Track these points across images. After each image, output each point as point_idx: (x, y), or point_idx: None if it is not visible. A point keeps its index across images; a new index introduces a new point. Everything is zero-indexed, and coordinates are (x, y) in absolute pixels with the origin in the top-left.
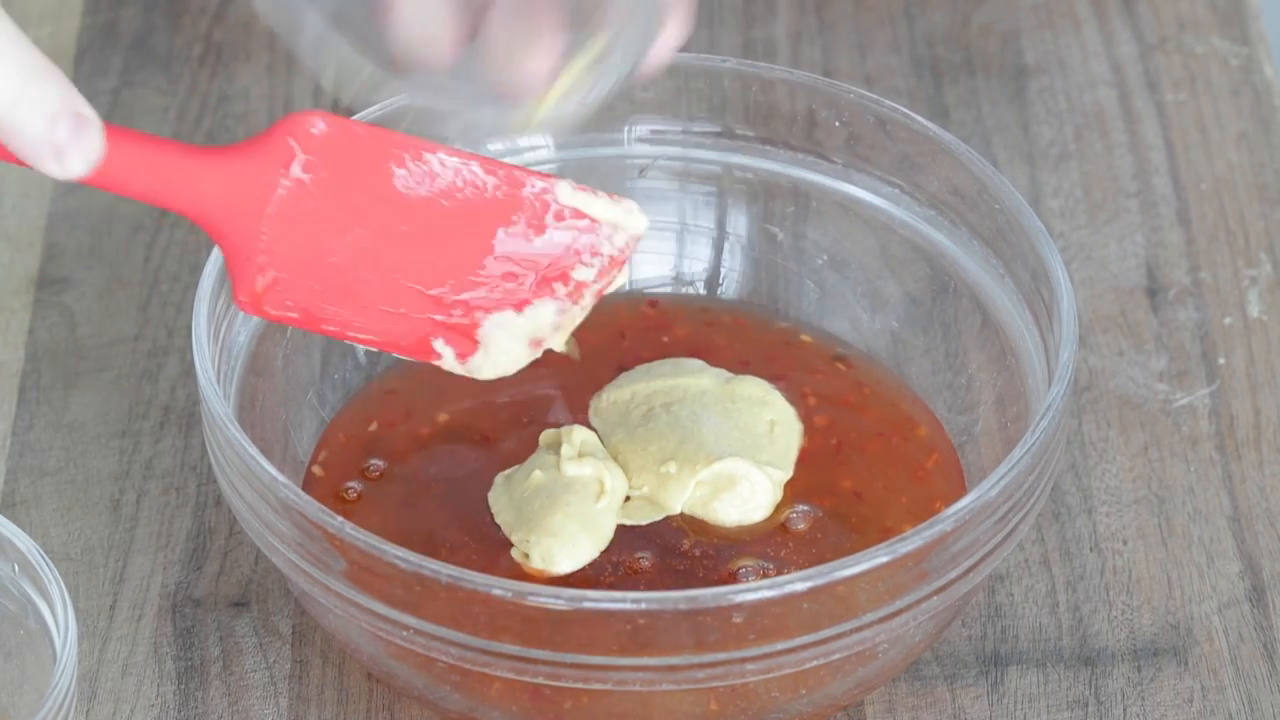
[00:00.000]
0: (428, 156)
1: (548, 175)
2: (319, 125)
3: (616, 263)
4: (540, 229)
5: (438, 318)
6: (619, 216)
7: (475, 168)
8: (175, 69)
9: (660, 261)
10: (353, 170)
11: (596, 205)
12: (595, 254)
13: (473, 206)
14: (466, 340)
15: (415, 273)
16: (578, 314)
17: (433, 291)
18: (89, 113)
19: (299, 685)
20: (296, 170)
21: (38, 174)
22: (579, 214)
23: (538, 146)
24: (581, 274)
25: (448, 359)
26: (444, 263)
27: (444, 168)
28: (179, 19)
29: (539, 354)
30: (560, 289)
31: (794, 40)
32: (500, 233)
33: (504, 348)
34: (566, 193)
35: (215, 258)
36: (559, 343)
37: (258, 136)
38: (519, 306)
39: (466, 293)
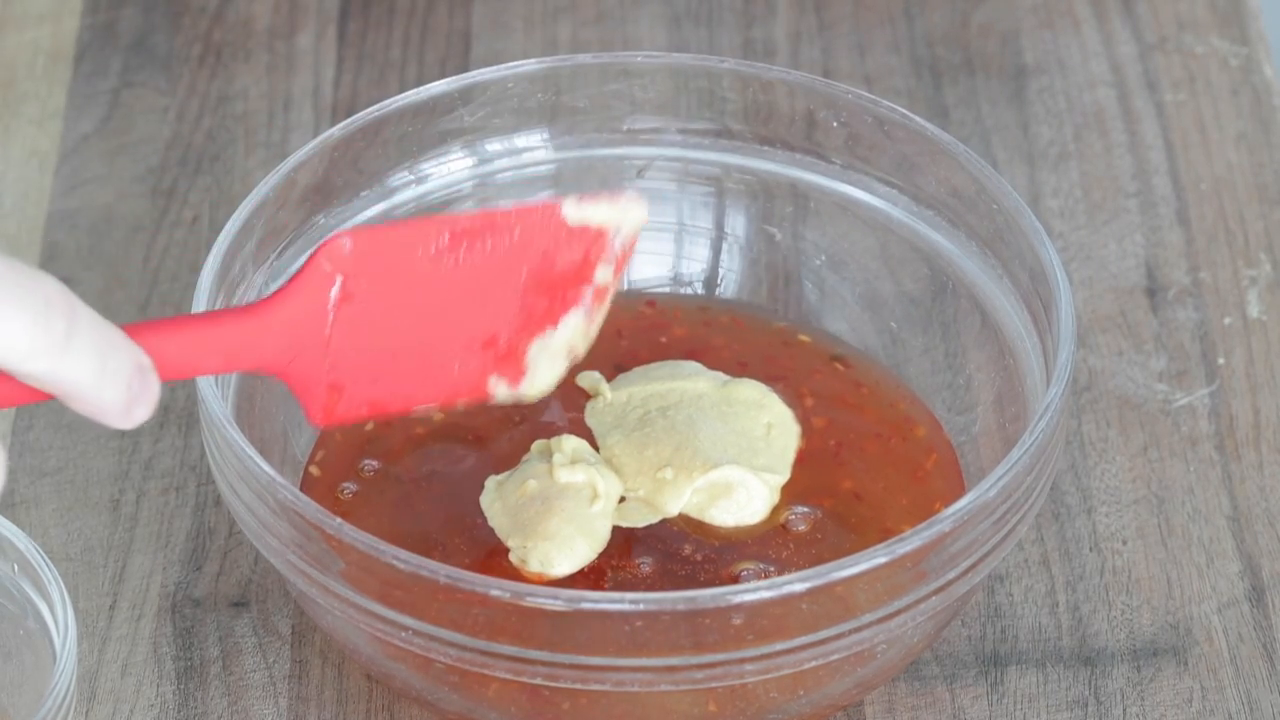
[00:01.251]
0: (451, 232)
1: (551, 202)
2: (347, 244)
3: (625, 256)
4: (558, 251)
5: (489, 360)
6: (620, 215)
7: (494, 223)
8: (175, 69)
9: (658, 262)
10: (388, 271)
11: (600, 212)
12: (609, 254)
13: (500, 257)
14: (515, 369)
15: (464, 331)
16: (602, 313)
17: (481, 340)
18: (146, 360)
19: (299, 685)
20: (338, 293)
21: (38, 174)
22: (587, 226)
23: (535, 147)
24: (601, 276)
25: (501, 392)
26: (487, 313)
27: (467, 235)
28: (179, 19)
29: (573, 363)
30: (586, 294)
31: (793, 40)
32: (526, 266)
33: (546, 366)
34: (573, 211)
35: (215, 258)
36: (584, 347)
37: (295, 275)
38: (554, 323)
39: (510, 329)
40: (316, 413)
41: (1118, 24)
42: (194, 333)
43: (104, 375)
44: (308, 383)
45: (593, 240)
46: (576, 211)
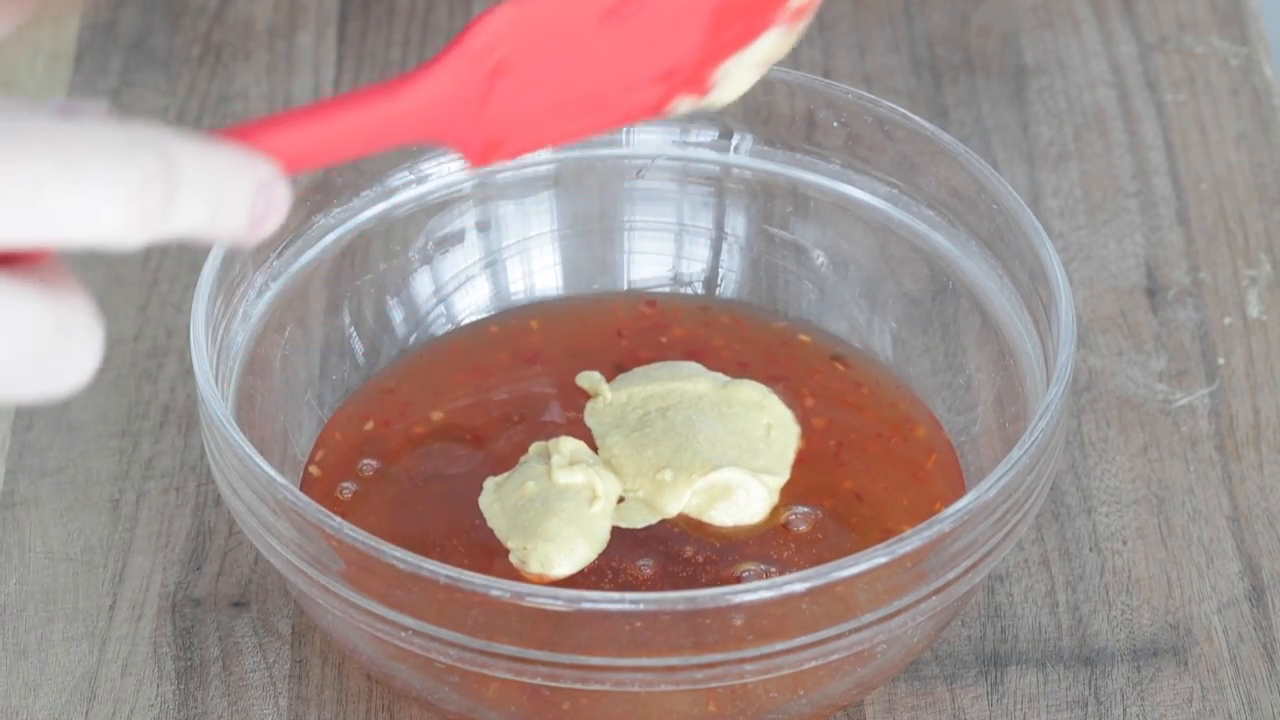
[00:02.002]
0: None
1: None
2: (502, 20)
3: None
4: None
5: (671, 87)
6: None
7: None
8: (175, 69)
9: (659, 261)
10: (552, 35)
11: None
12: None
13: None
14: (700, 89)
15: (642, 69)
16: (803, 27)
17: (662, 72)
18: (268, 172)
19: (299, 685)
20: (493, 67)
21: None
22: None
23: None
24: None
25: (683, 108)
26: (667, 49)
27: None
28: (179, 19)
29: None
30: (784, 13)
31: None
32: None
33: (735, 80)
34: None
35: (215, 258)
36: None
37: (443, 52)
38: (746, 45)
39: (694, 57)
40: (475, 159)
41: (1118, 24)
42: (329, 123)
43: (218, 215)
44: (462, 141)
45: None
46: None
